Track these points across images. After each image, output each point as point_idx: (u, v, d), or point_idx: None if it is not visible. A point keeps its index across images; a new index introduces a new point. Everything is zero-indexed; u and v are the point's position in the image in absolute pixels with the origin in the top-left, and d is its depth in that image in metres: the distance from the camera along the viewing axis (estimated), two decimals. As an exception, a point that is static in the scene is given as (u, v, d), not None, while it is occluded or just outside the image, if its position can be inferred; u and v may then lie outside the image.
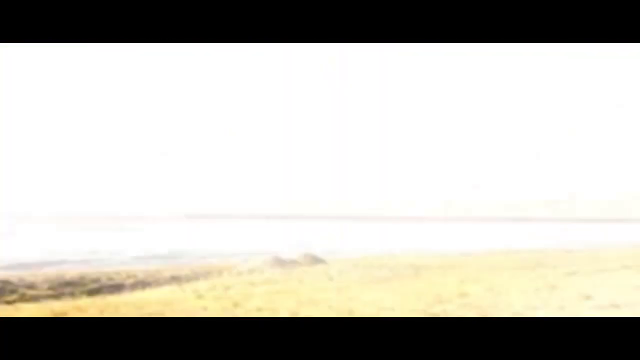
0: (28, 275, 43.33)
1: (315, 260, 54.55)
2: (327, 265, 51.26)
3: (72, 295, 39.31)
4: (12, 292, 38.57)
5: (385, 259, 60.06)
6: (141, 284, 43.65)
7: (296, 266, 50.25)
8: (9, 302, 35.36)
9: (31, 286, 39.94)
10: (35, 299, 37.73)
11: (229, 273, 48.04)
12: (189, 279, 45.54)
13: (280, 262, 51.34)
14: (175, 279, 45.16)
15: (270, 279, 42.26)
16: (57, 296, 38.66)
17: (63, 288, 40.64)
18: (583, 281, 22.00)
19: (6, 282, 39.89)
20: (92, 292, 40.61)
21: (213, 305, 18.38)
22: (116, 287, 42.36)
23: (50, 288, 40.20)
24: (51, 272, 48.58)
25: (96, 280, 43.18)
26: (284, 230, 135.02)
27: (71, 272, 47.53)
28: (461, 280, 27.61)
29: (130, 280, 44.07)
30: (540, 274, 31.70)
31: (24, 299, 37.37)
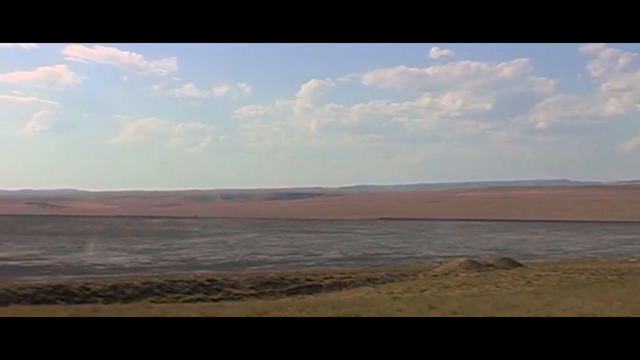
0: (232, 275, 45.63)
1: (512, 263, 52.92)
2: (525, 269, 49.55)
3: (273, 294, 40.89)
4: (218, 290, 40.83)
5: (587, 263, 57.05)
6: (338, 285, 44.51)
7: (492, 269, 49.04)
8: (214, 300, 37.43)
9: (235, 285, 42.05)
10: (238, 297, 39.66)
11: (424, 275, 47.80)
12: (385, 280, 45.80)
13: (475, 265, 50.33)
14: (370, 281, 45.61)
15: (466, 282, 41.53)
16: (258, 295, 40.37)
17: (264, 288, 42.40)
18: None
19: (212, 281, 42.32)
20: (291, 292, 42.00)
21: (408, 307, 18.27)
22: (314, 288, 43.51)
23: (252, 287, 42.10)
24: (253, 272, 50.80)
25: (295, 281, 44.60)
26: (480, 232, 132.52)
27: (271, 272, 49.39)
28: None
29: (327, 281, 45.07)
30: None
31: (228, 297, 39.42)
